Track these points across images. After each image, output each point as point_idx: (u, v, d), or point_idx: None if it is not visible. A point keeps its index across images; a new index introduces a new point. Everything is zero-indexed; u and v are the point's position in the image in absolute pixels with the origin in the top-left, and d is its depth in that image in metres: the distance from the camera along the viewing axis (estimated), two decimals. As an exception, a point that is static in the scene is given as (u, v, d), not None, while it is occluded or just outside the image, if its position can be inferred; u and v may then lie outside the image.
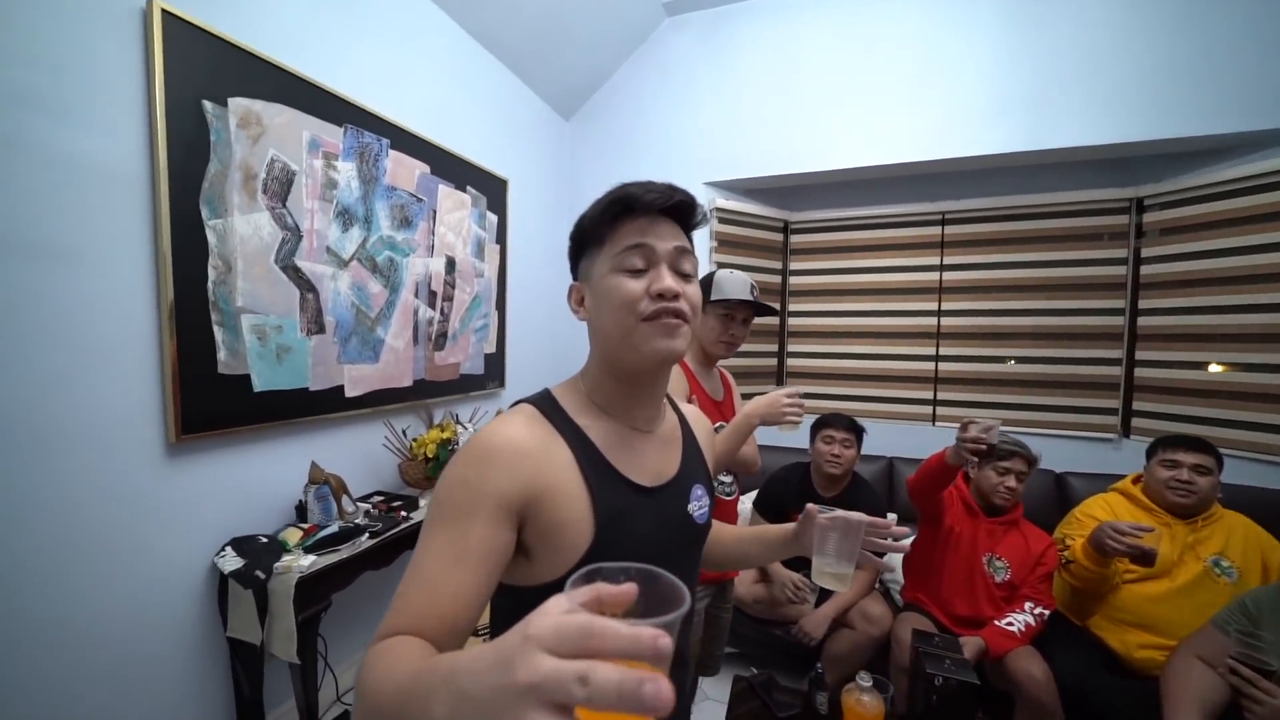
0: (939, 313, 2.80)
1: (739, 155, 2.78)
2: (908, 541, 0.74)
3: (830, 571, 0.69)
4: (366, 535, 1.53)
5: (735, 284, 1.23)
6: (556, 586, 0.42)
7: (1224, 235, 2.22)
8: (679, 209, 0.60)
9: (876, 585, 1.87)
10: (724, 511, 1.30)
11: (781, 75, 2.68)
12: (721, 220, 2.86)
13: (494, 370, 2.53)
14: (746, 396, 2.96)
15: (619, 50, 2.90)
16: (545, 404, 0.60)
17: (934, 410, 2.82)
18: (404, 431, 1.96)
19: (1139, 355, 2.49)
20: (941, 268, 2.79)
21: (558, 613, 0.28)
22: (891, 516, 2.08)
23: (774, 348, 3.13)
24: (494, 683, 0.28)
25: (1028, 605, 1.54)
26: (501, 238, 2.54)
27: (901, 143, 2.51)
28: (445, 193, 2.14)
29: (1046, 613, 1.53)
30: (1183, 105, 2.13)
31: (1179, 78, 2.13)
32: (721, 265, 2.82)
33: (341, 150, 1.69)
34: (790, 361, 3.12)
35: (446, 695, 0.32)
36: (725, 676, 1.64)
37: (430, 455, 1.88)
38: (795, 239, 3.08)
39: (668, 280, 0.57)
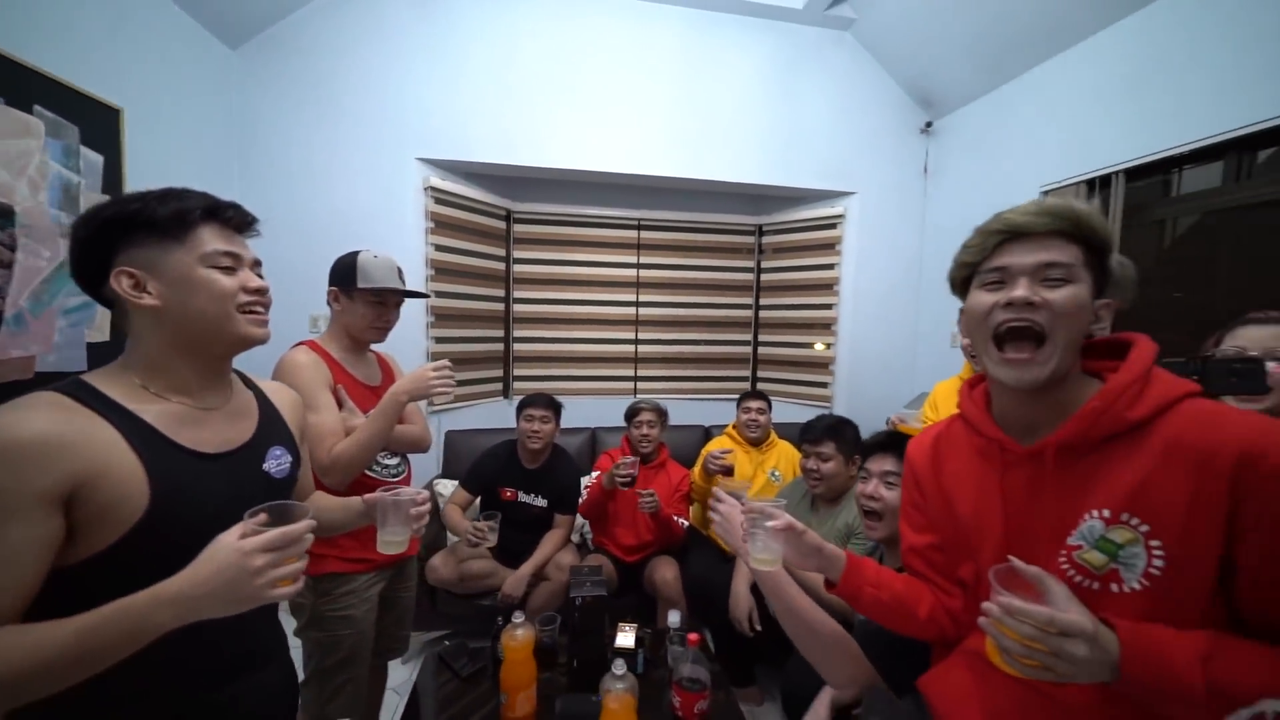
0: (637, 303, 3.34)
1: (459, 136, 2.72)
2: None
3: (390, 538, 0.90)
4: None
5: (383, 270, 1.20)
6: (102, 558, 0.58)
7: (801, 256, 3.27)
8: (249, 227, 0.76)
9: (573, 538, 2.16)
10: (400, 485, 1.31)
11: (499, 63, 2.71)
12: (438, 201, 2.76)
13: (105, 363, 1.90)
14: (467, 382, 2.96)
15: (303, -18, 2.47)
16: (78, 390, 0.62)
17: (635, 385, 3.36)
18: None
19: (760, 338, 3.48)
20: (639, 265, 3.32)
21: (245, 538, 0.56)
22: (589, 477, 2.40)
23: (500, 333, 3.21)
24: (229, 578, 0.54)
25: (680, 520, 2.05)
26: (114, 184, 1.90)
27: (606, 153, 2.86)
28: (-12, 110, 1.49)
29: (685, 522, 2.09)
30: (783, 163, 3.02)
31: (780, 142, 3.00)
32: (440, 249, 2.75)
33: None
34: (516, 346, 3.26)
35: (171, 607, 0.53)
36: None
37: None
38: (518, 228, 3.20)
39: (260, 280, 0.74)
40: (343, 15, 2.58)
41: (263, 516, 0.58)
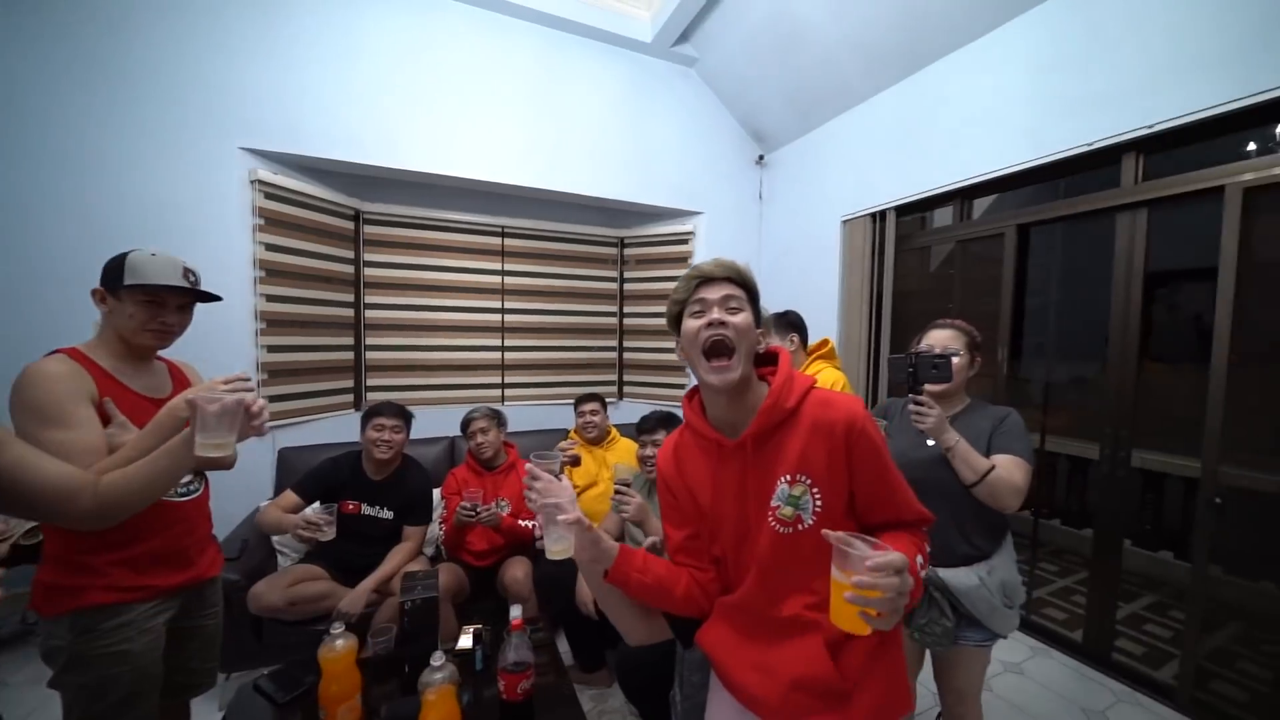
0: (503, 310, 3.33)
1: (291, 126, 2.50)
2: None
3: (213, 443, 0.84)
4: None
5: (158, 267, 1.10)
6: None
7: (657, 268, 3.53)
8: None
9: (424, 551, 2.11)
10: (195, 509, 1.21)
11: (343, 54, 2.57)
12: (268, 196, 2.52)
13: None
14: (306, 394, 2.72)
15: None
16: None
17: (503, 392, 3.35)
18: None
19: (625, 344, 3.68)
20: (503, 272, 3.33)
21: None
22: (437, 492, 2.36)
23: (350, 340, 3.00)
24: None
25: (524, 523, 2.09)
26: None
27: (463, 158, 2.84)
28: None
29: (532, 523, 2.12)
30: (640, 180, 3.25)
31: (637, 160, 3.23)
32: (271, 248, 2.51)
33: None
34: (369, 355, 3.07)
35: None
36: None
37: None
38: (369, 230, 3.03)
39: None
40: (140, -23, 2.24)
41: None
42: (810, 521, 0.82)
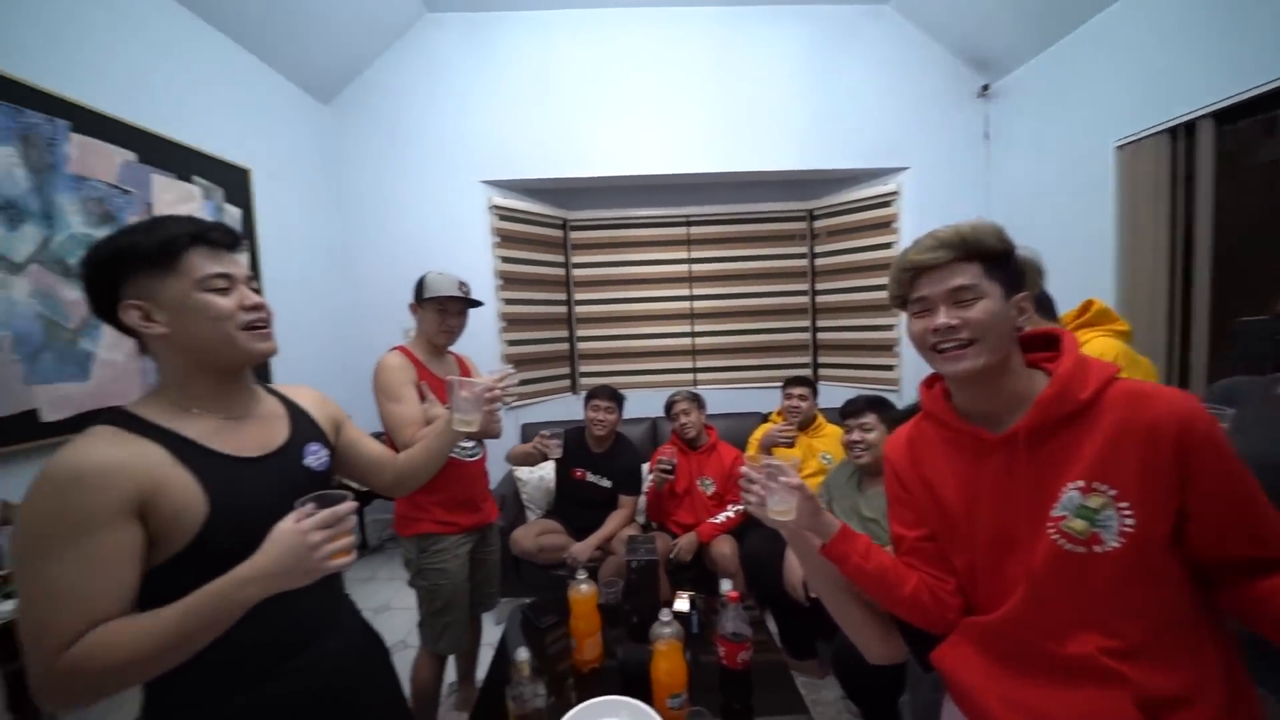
0: (691, 297, 3.45)
1: (512, 156, 2.98)
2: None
3: (466, 419, 1.01)
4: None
5: (443, 283, 1.45)
6: (180, 559, 0.66)
7: (856, 238, 3.22)
8: (235, 244, 0.74)
9: (636, 517, 2.34)
10: (477, 467, 1.57)
11: (544, 84, 2.95)
12: (502, 218, 3.04)
13: (263, 375, 2.33)
14: (537, 380, 3.22)
15: (377, 38, 2.83)
16: (124, 420, 0.67)
17: (694, 377, 3.48)
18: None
19: (819, 324, 3.46)
20: (690, 260, 3.44)
21: (300, 521, 0.64)
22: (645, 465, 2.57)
23: (565, 334, 3.46)
24: (294, 555, 0.62)
25: (730, 506, 2.15)
26: (248, 232, 2.33)
27: (647, 157, 3.01)
28: (163, 184, 1.91)
29: (742, 508, 2.16)
30: (829, 145, 3.01)
31: (825, 125, 2.99)
32: (506, 260, 3.04)
33: (-6, 133, 1.42)
34: (581, 345, 3.50)
35: (253, 585, 0.62)
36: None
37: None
38: (574, 235, 3.44)
39: (256, 296, 0.74)
40: (409, 61, 2.92)
41: (311, 506, 0.65)
42: (1115, 544, 0.65)
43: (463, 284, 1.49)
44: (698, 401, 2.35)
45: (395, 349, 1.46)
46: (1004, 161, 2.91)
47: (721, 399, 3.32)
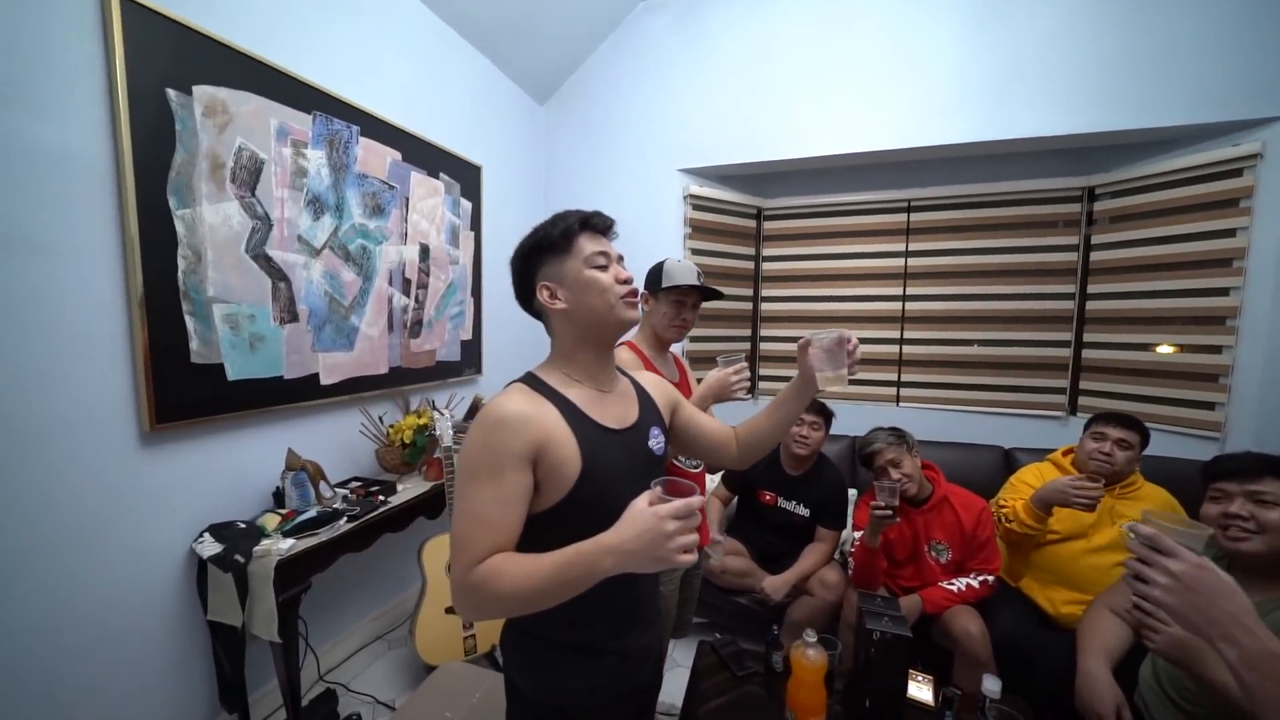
0: (904, 297, 2.90)
1: (712, 142, 2.81)
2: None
3: (829, 376, 0.91)
4: (345, 519, 1.58)
5: (684, 271, 1.31)
6: (555, 510, 0.75)
7: (1168, 223, 2.34)
8: (610, 229, 0.87)
9: (835, 555, 1.98)
10: (699, 479, 1.39)
11: (754, 62, 2.71)
12: (696, 207, 2.90)
13: (470, 357, 2.56)
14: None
15: (593, 34, 2.89)
16: (532, 381, 0.82)
17: (898, 391, 2.94)
18: (380, 418, 1.99)
19: (1087, 337, 2.63)
20: (906, 254, 2.88)
21: (654, 506, 0.65)
22: (852, 493, 2.18)
23: (747, 332, 3.21)
24: (650, 538, 0.63)
25: (974, 574, 1.65)
26: (476, 224, 2.54)
27: (870, 132, 2.57)
28: (418, 180, 2.15)
29: (990, 577, 1.65)
30: (1131, 98, 2.22)
31: (1126, 72, 2.22)
32: (697, 252, 2.90)
33: (311, 137, 1.68)
34: (763, 345, 3.21)
35: (611, 556, 0.64)
36: (693, 643, 1.75)
37: (407, 441, 1.92)
38: (768, 225, 3.14)
39: (627, 272, 0.84)
40: (619, 55, 2.93)
41: (659, 488, 0.67)
42: None
43: (699, 272, 1.34)
44: (907, 444, 1.73)
45: (624, 343, 1.35)
46: None
47: (934, 423, 2.74)
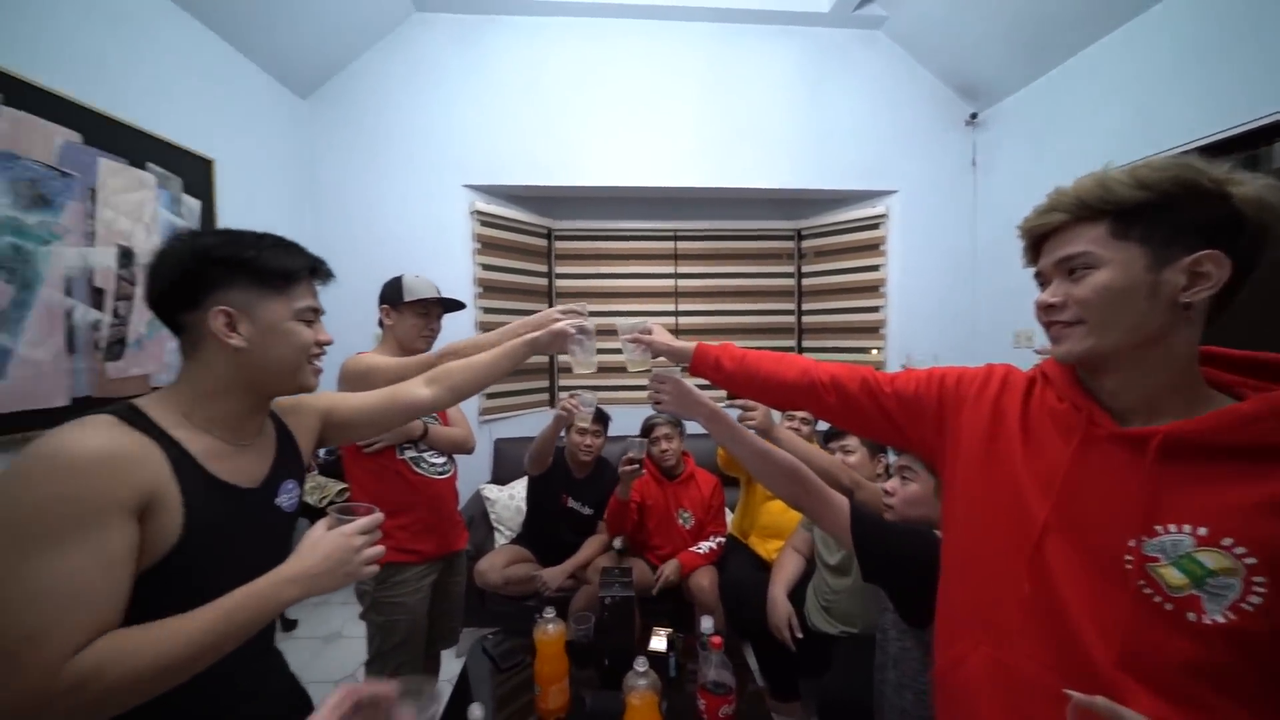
0: (676, 313, 3.37)
1: (497, 162, 2.89)
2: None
3: (580, 360, 1.16)
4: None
5: (424, 286, 1.38)
6: (145, 578, 0.59)
7: (845, 259, 3.19)
8: (330, 279, 0.80)
9: (615, 544, 2.19)
10: (447, 486, 1.43)
11: (533, 90, 2.87)
12: (483, 224, 2.93)
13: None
14: (513, 393, 3.06)
15: (362, 34, 2.73)
16: (131, 414, 0.63)
17: (677, 394, 3.38)
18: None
19: (804, 344, 3.41)
20: (676, 275, 3.36)
21: (334, 529, 0.69)
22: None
23: (545, 346, 3.34)
24: (338, 557, 0.66)
25: (711, 536, 2.03)
26: (210, 226, 2.18)
27: (638, 168, 2.95)
28: (111, 169, 1.76)
29: (722, 539, 2.07)
30: (816, 165, 2.99)
31: (812, 145, 2.97)
32: (486, 268, 2.92)
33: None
34: (560, 358, 3.37)
35: (295, 585, 0.63)
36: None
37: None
38: (559, 245, 3.34)
39: (328, 335, 0.79)
40: (394, 59, 2.82)
41: (335, 516, 0.71)
42: (1220, 619, 0.50)
43: (438, 289, 1.40)
44: (679, 428, 2.17)
45: (361, 355, 1.33)
46: (991, 190, 2.92)
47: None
